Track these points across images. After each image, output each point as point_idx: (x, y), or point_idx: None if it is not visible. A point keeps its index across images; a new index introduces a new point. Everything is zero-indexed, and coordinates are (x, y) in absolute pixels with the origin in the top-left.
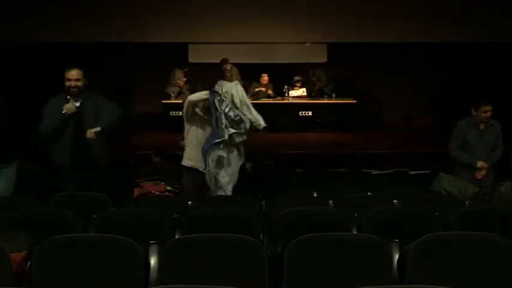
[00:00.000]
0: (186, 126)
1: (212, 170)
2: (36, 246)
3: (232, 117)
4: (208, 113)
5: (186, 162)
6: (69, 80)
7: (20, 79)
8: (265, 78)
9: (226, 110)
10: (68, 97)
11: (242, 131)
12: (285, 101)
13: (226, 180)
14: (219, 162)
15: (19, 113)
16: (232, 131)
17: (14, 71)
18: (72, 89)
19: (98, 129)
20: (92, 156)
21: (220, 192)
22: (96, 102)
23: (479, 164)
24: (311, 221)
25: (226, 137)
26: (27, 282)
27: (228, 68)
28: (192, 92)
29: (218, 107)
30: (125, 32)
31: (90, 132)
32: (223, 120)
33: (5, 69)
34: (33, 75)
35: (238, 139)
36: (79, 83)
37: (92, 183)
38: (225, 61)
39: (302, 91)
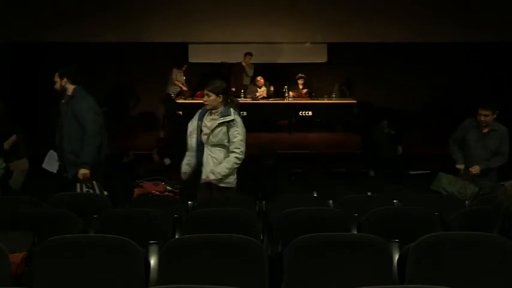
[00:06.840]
0: None
1: None
2: (36, 246)
3: None
4: None
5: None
6: None
7: (20, 79)
8: (260, 81)
9: None
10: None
11: None
12: (285, 101)
13: None
14: None
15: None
16: None
17: (14, 71)
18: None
19: (86, 171)
20: (62, 156)
21: None
22: (76, 103)
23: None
24: (311, 221)
25: None
26: (27, 282)
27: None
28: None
29: None
30: (125, 32)
31: (82, 174)
32: None
33: (5, 69)
34: (33, 75)
35: None
36: (55, 85)
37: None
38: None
39: (304, 91)
